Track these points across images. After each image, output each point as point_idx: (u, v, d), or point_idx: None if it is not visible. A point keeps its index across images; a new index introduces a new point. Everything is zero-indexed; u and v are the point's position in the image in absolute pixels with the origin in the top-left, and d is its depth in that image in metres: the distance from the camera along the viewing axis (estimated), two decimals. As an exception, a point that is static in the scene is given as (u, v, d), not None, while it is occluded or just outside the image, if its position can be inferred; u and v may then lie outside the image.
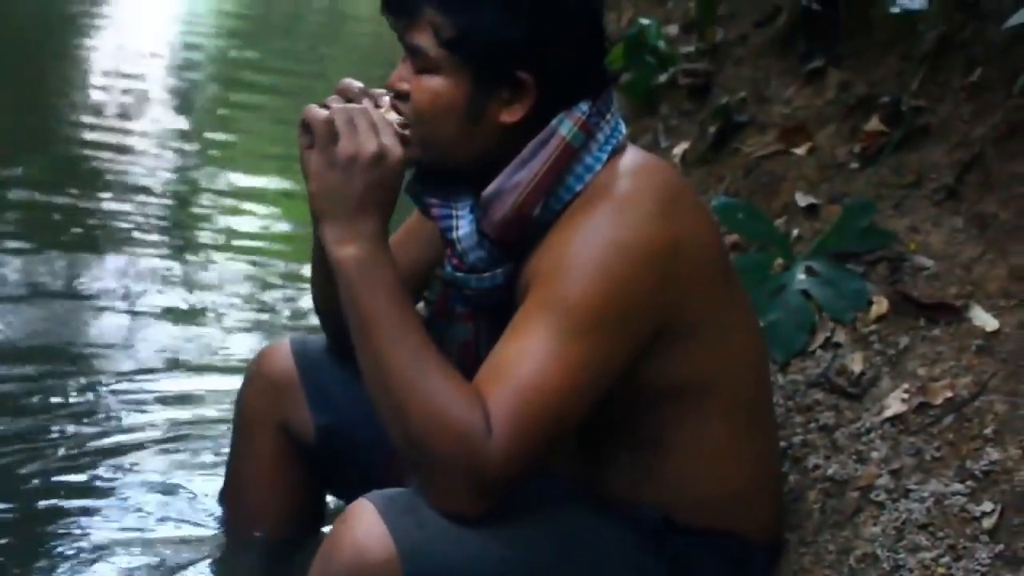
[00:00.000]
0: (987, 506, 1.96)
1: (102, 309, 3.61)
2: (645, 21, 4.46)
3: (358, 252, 1.68)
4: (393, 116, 1.77)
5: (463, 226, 1.84)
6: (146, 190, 4.76)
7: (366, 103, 1.75)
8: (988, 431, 2.08)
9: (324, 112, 1.71)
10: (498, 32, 1.75)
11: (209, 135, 5.81)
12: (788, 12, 3.96)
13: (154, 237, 4.30)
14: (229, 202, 4.80)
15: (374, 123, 1.71)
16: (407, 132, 1.79)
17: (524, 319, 1.70)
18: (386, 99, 1.80)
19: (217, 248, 4.27)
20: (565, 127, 1.78)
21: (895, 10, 3.05)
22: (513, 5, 1.75)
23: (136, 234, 4.26)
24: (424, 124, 1.80)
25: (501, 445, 1.60)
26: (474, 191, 1.84)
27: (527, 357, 1.65)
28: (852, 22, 3.58)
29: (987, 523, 1.93)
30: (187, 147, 5.60)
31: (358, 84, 1.80)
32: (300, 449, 2.14)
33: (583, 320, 1.68)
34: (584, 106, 1.80)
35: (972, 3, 3.03)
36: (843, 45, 3.57)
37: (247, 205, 4.79)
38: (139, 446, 2.80)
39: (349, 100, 1.77)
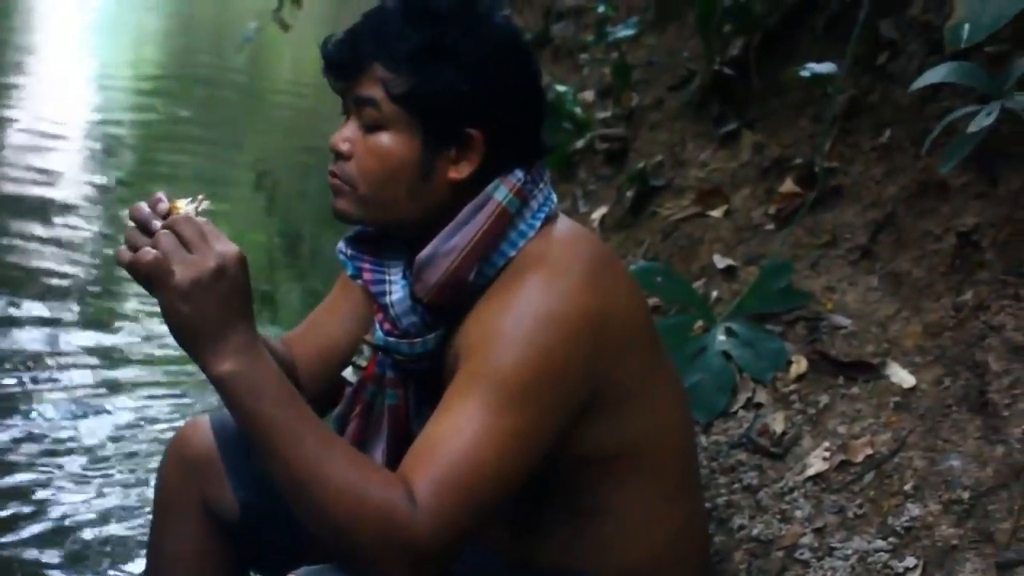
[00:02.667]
0: (909, 562, 1.98)
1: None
2: (561, 88, 4.51)
3: (234, 367, 1.60)
4: (191, 208, 1.64)
5: (396, 291, 1.84)
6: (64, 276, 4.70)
7: (180, 213, 1.63)
8: (908, 487, 2.11)
9: (150, 252, 1.58)
10: (450, 87, 1.75)
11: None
12: (701, 77, 4.02)
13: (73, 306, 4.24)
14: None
15: (201, 232, 1.60)
16: (346, 187, 1.78)
17: (456, 392, 1.69)
18: (164, 203, 1.64)
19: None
20: (500, 193, 1.79)
21: (805, 74, 3.11)
22: (464, 60, 1.76)
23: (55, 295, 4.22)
24: (372, 182, 1.79)
25: (429, 517, 1.59)
26: (406, 255, 1.85)
27: (459, 430, 1.64)
28: (764, 86, 3.65)
29: (910, 579, 1.95)
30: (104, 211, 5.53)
31: (146, 208, 1.64)
32: (223, 527, 2.10)
33: (516, 392, 1.67)
34: (519, 173, 1.81)
35: (879, 66, 3.10)
36: (756, 108, 3.63)
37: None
38: (58, 521, 2.77)
39: (146, 229, 1.62)
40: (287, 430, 1.61)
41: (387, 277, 1.85)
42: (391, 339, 1.85)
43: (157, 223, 1.62)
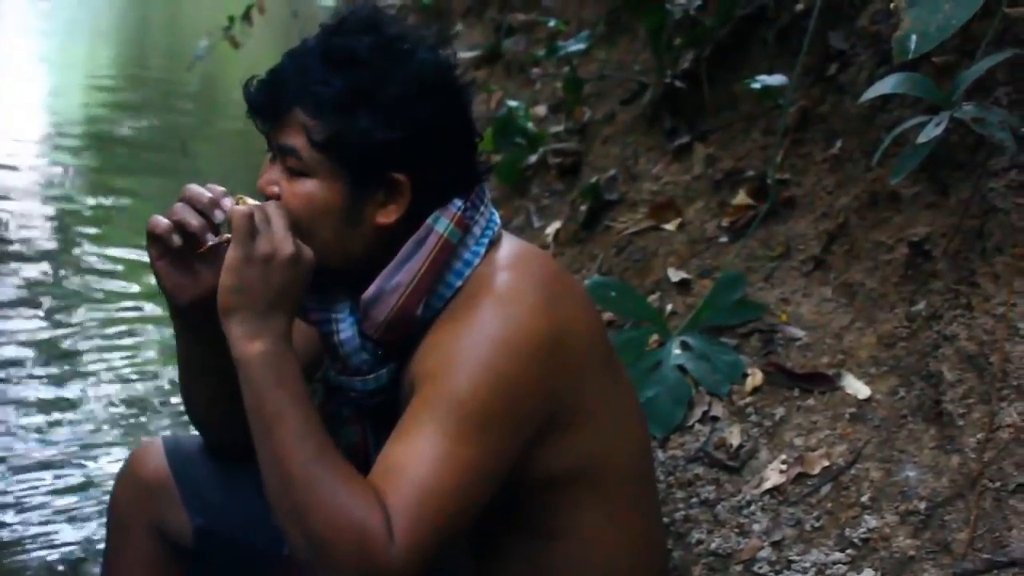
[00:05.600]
0: (867, 573, 1.98)
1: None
2: (513, 103, 4.50)
3: (265, 348, 1.65)
4: None
5: (344, 330, 1.82)
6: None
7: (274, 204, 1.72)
8: (865, 498, 2.11)
9: (243, 208, 1.68)
10: (372, 134, 1.73)
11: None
12: (653, 90, 4.03)
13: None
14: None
15: (286, 225, 1.69)
16: None
17: (414, 419, 1.68)
18: (229, 201, 1.76)
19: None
20: (441, 224, 1.77)
21: (756, 86, 3.12)
22: (385, 107, 1.74)
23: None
24: (299, 227, 1.75)
25: (402, 550, 1.58)
26: (351, 294, 1.82)
27: (422, 458, 1.63)
28: (716, 98, 3.65)
29: (869, 591, 1.95)
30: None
31: (207, 193, 1.76)
32: (177, 553, 2.08)
33: (473, 418, 1.66)
34: (459, 202, 1.79)
35: (829, 77, 3.11)
36: (708, 121, 3.63)
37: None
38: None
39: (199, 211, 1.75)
40: (294, 426, 1.63)
41: (334, 316, 1.83)
42: (343, 377, 1.84)
43: (220, 214, 1.75)
